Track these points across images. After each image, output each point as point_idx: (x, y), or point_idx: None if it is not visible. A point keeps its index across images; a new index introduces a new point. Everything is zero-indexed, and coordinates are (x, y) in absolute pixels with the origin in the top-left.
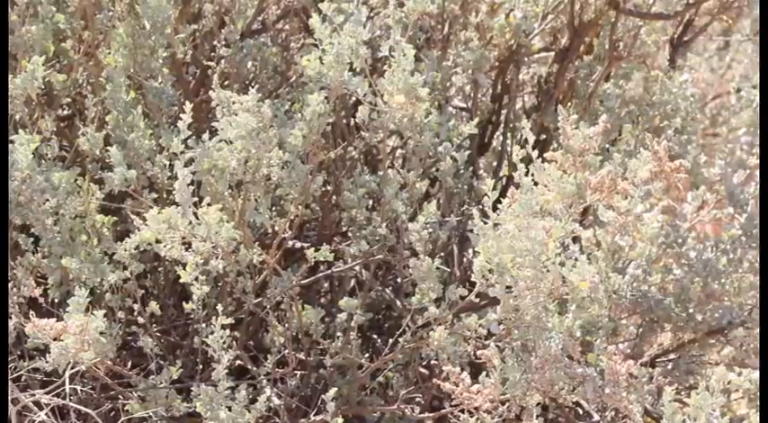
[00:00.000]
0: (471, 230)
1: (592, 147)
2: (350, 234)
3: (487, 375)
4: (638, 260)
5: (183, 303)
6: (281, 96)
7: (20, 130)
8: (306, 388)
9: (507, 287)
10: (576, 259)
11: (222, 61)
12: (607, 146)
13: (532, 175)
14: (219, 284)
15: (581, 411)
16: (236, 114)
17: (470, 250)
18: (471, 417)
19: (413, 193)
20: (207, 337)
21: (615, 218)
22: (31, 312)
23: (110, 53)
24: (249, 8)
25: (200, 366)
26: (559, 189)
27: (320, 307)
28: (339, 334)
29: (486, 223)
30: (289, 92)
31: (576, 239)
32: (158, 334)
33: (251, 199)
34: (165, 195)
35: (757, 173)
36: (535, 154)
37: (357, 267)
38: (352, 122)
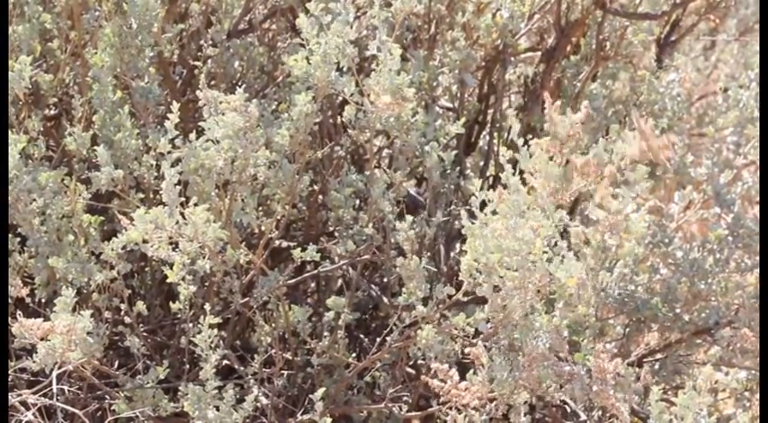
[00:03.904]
0: (461, 230)
1: (577, 132)
2: (337, 234)
3: (475, 373)
4: (625, 259)
5: (170, 303)
6: (267, 96)
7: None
8: (293, 387)
9: (495, 287)
10: (564, 256)
11: (209, 61)
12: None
13: (521, 172)
14: (206, 284)
15: (568, 411)
16: (223, 114)
17: (457, 249)
18: (459, 414)
19: (399, 192)
20: (194, 336)
21: (606, 217)
22: (18, 312)
23: (96, 53)
24: (236, 8)
25: (188, 366)
26: (546, 173)
27: (307, 307)
28: (326, 333)
29: (473, 223)
30: (276, 91)
31: (563, 235)
32: (145, 334)
33: (238, 199)
34: (151, 195)
35: (744, 173)
36: (521, 141)
37: (344, 267)
38: (339, 122)
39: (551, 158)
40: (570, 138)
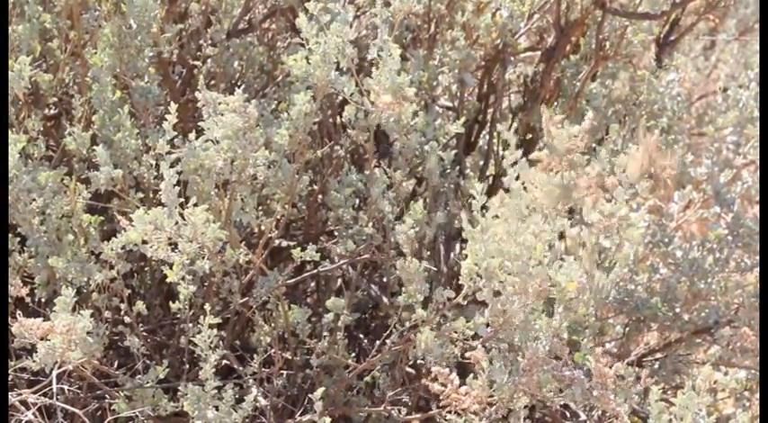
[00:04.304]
0: (460, 230)
1: (577, 146)
2: (336, 233)
3: (475, 377)
4: (623, 262)
5: (170, 303)
6: (267, 96)
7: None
8: (292, 388)
9: (495, 291)
10: (563, 259)
11: (208, 61)
12: (594, 145)
13: (518, 177)
14: (206, 284)
15: (568, 412)
16: (223, 114)
17: (457, 249)
18: (459, 418)
19: (399, 192)
20: (194, 336)
21: (600, 220)
22: (18, 312)
23: (96, 53)
24: (236, 7)
25: (187, 366)
26: (546, 191)
27: (307, 306)
28: (326, 334)
29: (474, 226)
30: (275, 91)
31: (561, 237)
32: (145, 333)
33: (237, 199)
34: (151, 195)
35: (744, 173)
36: (519, 153)
37: (344, 267)
38: (339, 122)
39: (551, 172)
40: (569, 151)
